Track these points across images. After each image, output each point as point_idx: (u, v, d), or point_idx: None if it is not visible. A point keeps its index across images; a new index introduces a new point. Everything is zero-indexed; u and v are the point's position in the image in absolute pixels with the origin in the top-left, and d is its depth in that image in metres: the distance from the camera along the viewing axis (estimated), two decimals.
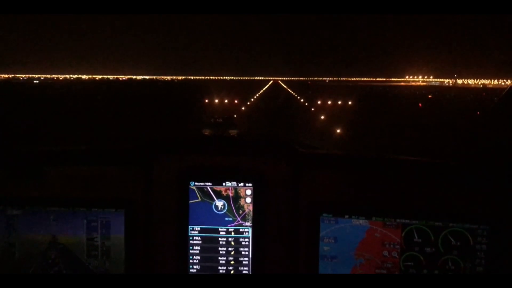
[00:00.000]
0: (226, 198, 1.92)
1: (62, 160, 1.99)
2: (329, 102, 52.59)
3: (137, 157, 1.99)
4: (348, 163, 1.95)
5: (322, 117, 34.85)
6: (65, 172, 1.95)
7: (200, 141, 2.08)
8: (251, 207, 1.91)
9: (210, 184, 1.92)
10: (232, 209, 1.92)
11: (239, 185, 1.91)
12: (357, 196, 1.83)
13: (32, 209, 1.90)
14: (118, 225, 1.89)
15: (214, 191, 1.92)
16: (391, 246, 1.75)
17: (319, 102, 52.19)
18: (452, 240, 1.69)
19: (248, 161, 1.94)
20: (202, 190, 1.92)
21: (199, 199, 1.92)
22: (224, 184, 1.92)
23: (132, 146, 2.04)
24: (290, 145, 1.98)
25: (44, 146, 2.07)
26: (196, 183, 1.92)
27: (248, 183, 1.91)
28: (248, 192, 1.91)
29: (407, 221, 1.73)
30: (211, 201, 1.92)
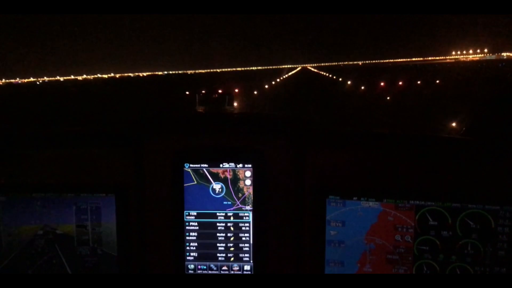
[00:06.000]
0: (224, 181, 1.79)
1: (47, 142, 1.88)
2: (400, 83, 36.97)
3: (127, 138, 1.86)
4: (356, 141, 1.82)
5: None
6: (50, 155, 1.85)
7: (194, 119, 1.94)
8: (251, 190, 1.78)
9: (206, 165, 1.79)
10: (231, 192, 1.79)
11: (238, 166, 1.78)
12: (366, 176, 1.71)
13: (16, 195, 1.81)
14: (109, 210, 1.81)
15: (210, 173, 1.79)
16: (404, 230, 1.62)
17: (382, 84, 37.59)
18: (471, 223, 1.55)
19: (247, 140, 1.81)
20: (197, 172, 1.79)
21: (195, 182, 1.80)
22: (221, 165, 1.79)
23: (121, 126, 1.91)
24: (292, 121, 1.83)
25: (27, 128, 1.95)
26: (191, 165, 1.79)
27: (247, 164, 1.78)
28: (248, 173, 1.78)
29: (422, 202, 1.60)
30: (207, 184, 1.79)
